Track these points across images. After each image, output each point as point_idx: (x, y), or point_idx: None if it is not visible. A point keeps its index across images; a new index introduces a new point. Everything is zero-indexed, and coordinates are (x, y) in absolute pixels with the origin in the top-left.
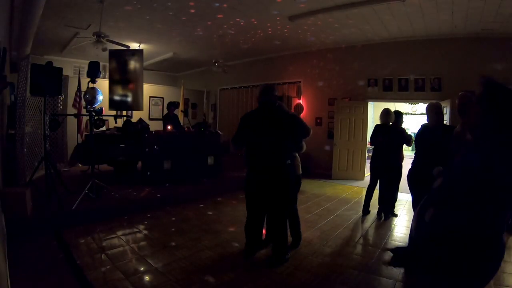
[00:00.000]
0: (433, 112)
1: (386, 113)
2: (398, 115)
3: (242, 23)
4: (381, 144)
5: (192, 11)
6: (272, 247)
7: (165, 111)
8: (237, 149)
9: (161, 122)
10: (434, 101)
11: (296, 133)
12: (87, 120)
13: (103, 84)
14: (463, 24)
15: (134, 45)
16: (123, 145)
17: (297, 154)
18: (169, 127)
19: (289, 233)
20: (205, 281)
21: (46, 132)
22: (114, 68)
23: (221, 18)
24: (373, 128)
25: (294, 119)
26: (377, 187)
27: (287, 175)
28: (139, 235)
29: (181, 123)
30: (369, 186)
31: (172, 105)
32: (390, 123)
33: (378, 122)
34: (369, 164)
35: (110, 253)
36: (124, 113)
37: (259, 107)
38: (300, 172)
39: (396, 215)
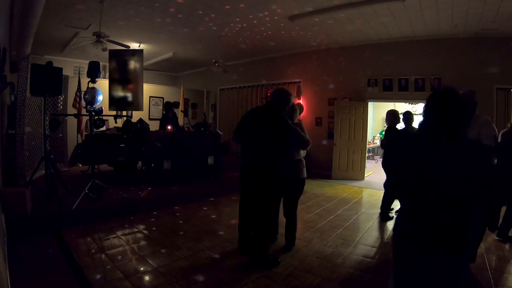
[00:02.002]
0: None
1: (388, 115)
2: (407, 116)
3: (242, 23)
4: (385, 147)
5: (192, 11)
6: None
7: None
8: (235, 141)
9: None
10: None
11: (285, 139)
12: (87, 120)
13: (103, 84)
14: (463, 24)
15: (134, 45)
16: (123, 145)
17: (302, 158)
18: (169, 127)
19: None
20: (205, 281)
21: (46, 132)
22: (114, 68)
23: (221, 18)
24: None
25: (285, 125)
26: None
27: (270, 177)
28: (139, 235)
29: (181, 123)
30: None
31: (173, 105)
32: (397, 125)
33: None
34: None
35: (110, 253)
36: (124, 113)
37: (262, 105)
38: (305, 176)
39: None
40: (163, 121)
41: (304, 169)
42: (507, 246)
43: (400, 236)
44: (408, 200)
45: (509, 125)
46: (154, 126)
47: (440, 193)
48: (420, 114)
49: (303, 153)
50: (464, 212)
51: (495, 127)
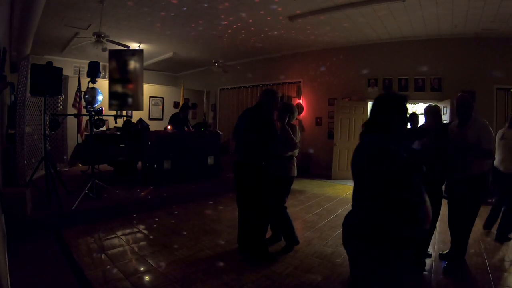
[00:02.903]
0: (429, 114)
1: None
2: (413, 118)
3: (242, 23)
4: None
5: (192, 11)
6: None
7: (166, 111)
8: (233, 140)
9: (160, 122)
10: (433, 104)
11: (268, 138)
12: (87, 120)
13: (103, 84)
14: (463, 24)
15: (134, 45)
16: (123, 145)
17: (293, 156)
18: (169, 127)
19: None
20: (205, 281)
21: (46, 132)
22: (114, 68)
23: (222, 18)
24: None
25: (267, 124)
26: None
27: (255, 174)
28: (139, 235)
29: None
30: None
31: (188, 108)
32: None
33: None
34: None
35: (110, 253)
36: (124, 113)
37: (252, 106)
38: (294, 174)
39: None
40: (173, 121)
41: (294, 168)
42: (506, 246)
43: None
44: None
45: (507, 124)
46: (154, 126)
47: (361, 187)
48: (420, 114)
49: (294, 151)
50: (384, 206)
51: (491, 130)
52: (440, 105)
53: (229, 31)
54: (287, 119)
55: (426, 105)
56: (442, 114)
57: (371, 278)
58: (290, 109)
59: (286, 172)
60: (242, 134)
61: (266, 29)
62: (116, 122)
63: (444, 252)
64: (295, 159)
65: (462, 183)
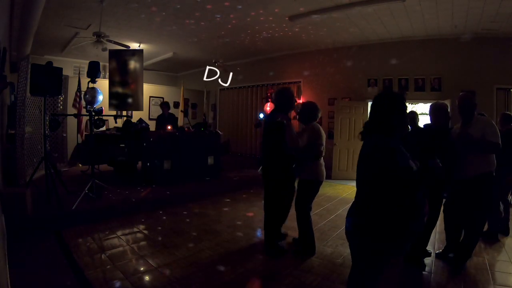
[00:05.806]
0: (437, 111)
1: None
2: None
3: (242, 23)
4: None
5: (192, 11)
6: None
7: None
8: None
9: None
10: (440, 101)
11: (273, 139)
12: (87, 120)
13: (103, 84)
14: (463, 24)
15: (134, 45)
16: (123, 145)
17: (321, 159)
18: (169, 127)
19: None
20: (205, 281)
21: (46, 132)
22: (114, 68)
23: (221, 18)
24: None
25: (272, 125)
26: None
27: (269, 176)
28: (139, 235)
29: (181, 123)
30: None
31: (165, 105)
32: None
33: None
34: None
35: (110, 253)
36: (124, 113)
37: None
38: (315, 178)
39: None
40: (160, 121)
41: (317, 171)
42: (506, 246)
43: None
44: None
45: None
46: (154, 126)
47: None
48: (420, 114)
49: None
50: (376, 199)
51: (495, 125)
52: None
53: (229, 31)
54: (307, 118)
55: (428, 104)
56: (449, 111)
57: (364, 266)
58: (304, 108)
59: (306, 175)
60: (263, 139)
61: (266, 29)
62: (116, 122)
63: (439, 251)
64: (321, 162)
65: (465, 184)
